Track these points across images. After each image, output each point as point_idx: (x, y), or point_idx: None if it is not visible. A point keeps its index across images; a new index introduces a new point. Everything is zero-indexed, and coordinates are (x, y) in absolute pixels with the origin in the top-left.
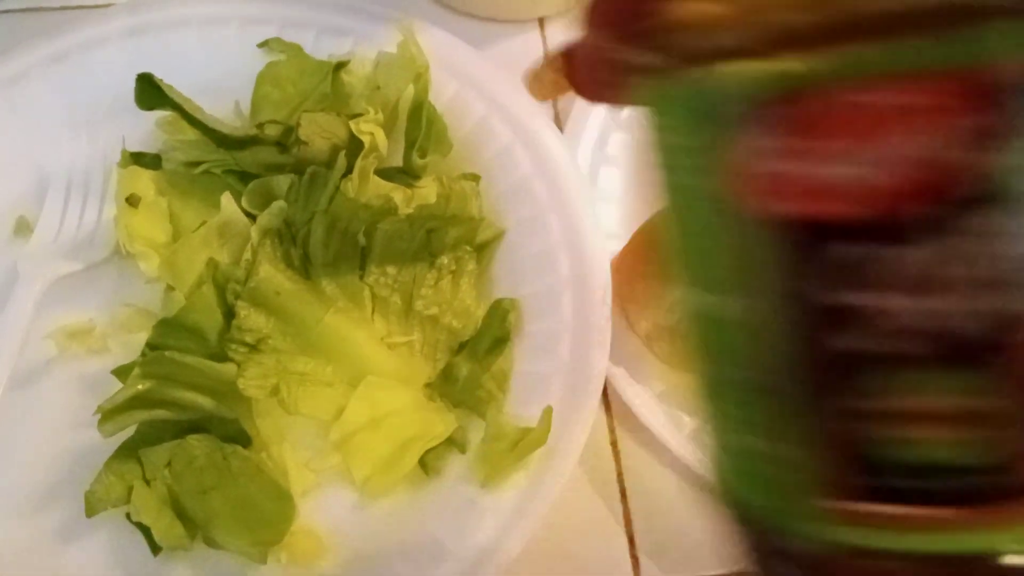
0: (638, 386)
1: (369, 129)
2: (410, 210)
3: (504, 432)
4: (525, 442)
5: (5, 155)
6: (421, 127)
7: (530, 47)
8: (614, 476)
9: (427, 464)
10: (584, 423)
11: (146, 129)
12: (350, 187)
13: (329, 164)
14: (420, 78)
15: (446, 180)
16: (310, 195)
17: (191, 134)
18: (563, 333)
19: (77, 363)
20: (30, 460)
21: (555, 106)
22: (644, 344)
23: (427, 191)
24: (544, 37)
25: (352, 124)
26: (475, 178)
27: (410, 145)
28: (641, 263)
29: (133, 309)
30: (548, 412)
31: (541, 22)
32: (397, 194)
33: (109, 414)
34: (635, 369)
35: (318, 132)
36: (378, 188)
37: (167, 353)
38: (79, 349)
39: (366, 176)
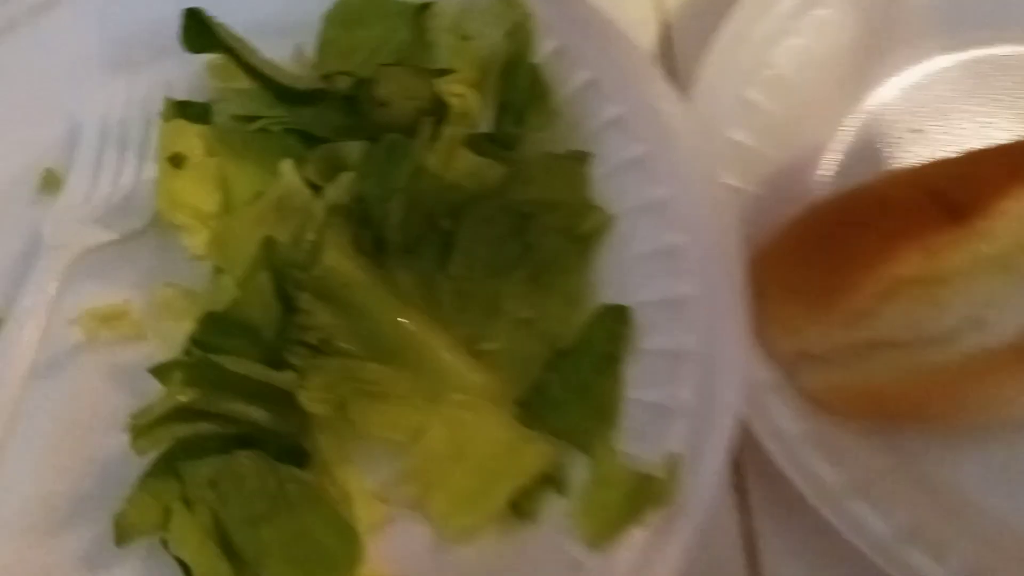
0: (776, 425)
1: (459, 90)
2: (506, 191)
3: (616, 477)
4: (644, 494)
5: (31, 95)
6: (519, 89)
7: None
8: (738, 536)
9: (519, 505)
10: (715, 473)
11: (192, 72)
12: (434, 160)
13: (410, 131)
14: (520, 29)
15: (549, 157)
16: (387, 167)
17: (245, 82)
18: (688, 354)
19: (108, 352)
20: (51, 468)
21: (675, 61)
22: (786, 373)
23: (524, 168)
24: None
25: (438, 83)
26: (584, 156)
27: (503, 110)
28: (792, 267)
29: (174, 290)
30: (676, 462)
31: None
32: (489, 171)
33: (144, 429)
34: (772, 404)
35: (399, 91)
36: (467, 162)
37: (215, 357)
38: (110, 335)
39: (453, 147)
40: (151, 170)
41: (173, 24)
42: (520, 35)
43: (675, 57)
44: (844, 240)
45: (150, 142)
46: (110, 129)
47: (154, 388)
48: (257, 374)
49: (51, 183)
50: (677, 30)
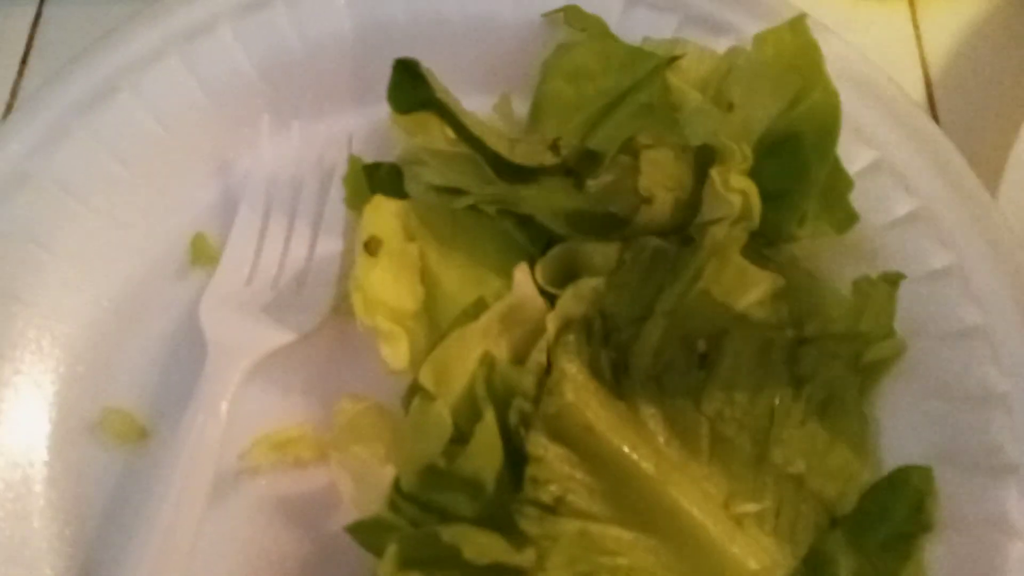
0: None
1: (740, 185)
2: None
3: None
4: None
5: (178, 142)
6: (803, 178)
7: (899, 30)
8: None
9: None
10: None
11: (374, 120)
12: (706, 272)
13: (676, 232)
14: (810, 98)
15: (864, 283)
16: (647, 281)
17: (442, 140)
18: (1014, 540)
19: (282, 478)
20: None
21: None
22: None
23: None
24: (915, 18)
25: (718, 176)
26: (897, 279)
27: (770, 199)
28: None
29: (361, 406)
30: None
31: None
32: (764, 284)
33: None
34: None
35: (662, 180)
36: (739, 274)
37: (445, 536)
38: (286, 461)
39: (729, 257)
40: (327, 245)
41: (357, 58)
42: (813, 105)
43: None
44: None
45: (328, 206)
46: (278, 187)
47: (335, 528)
48: (495, 555)
49: (202, 254)
50: (940, 87)
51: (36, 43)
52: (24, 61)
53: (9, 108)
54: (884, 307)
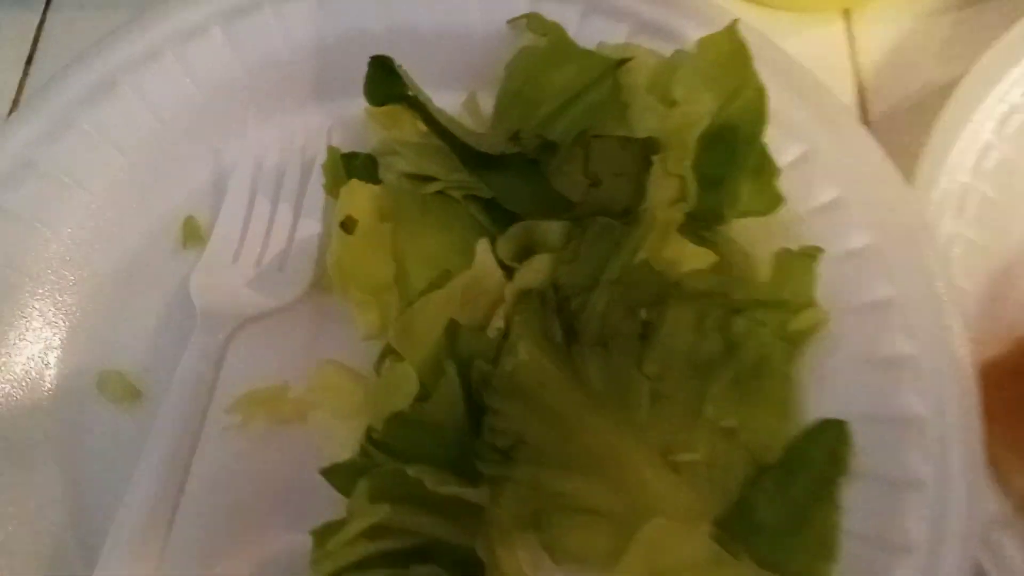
0: (1006, 568)
1: (679, 171)
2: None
3: None
4: None
5: (172, 133)
6: (735, 165)
7: (832, 40)
8: None
9: None
10: None
11: (351, 114)
12: (647, 247)
13: (622, 212)
14: (743, 96)
15: (785, 255)
16: (596, 255)
17: (414, 133)
18: (916, 483)
19: (264, 434)
20: (207, 559)
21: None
22: (1017, 508)
23: (734, 253)
24: (850, 31)
25: (659, 162)
26: (816, 252)
27: (708, 186)
28: None
29: (338, 369)
30: None
31: (846, 13)
32: (700, 259)
33: (328, 556)
34: (1002, 543)
35: (609, 167)
36: (678, 250)
37: (411, 472)
38: (267, 419)
39: (668, 233)
40: (306, 227)
41: (335, 58)
42: (746, 102)
43: (870, 123)
44: None
45: (308, 193)
46: (263, 174)
47: (313, 478)
48: (452, 490)
49: (193, 234)
50: (871, 91)
51: (40, 46)
52: (29, 62)
53: (15, 104)
54: (804, 277)
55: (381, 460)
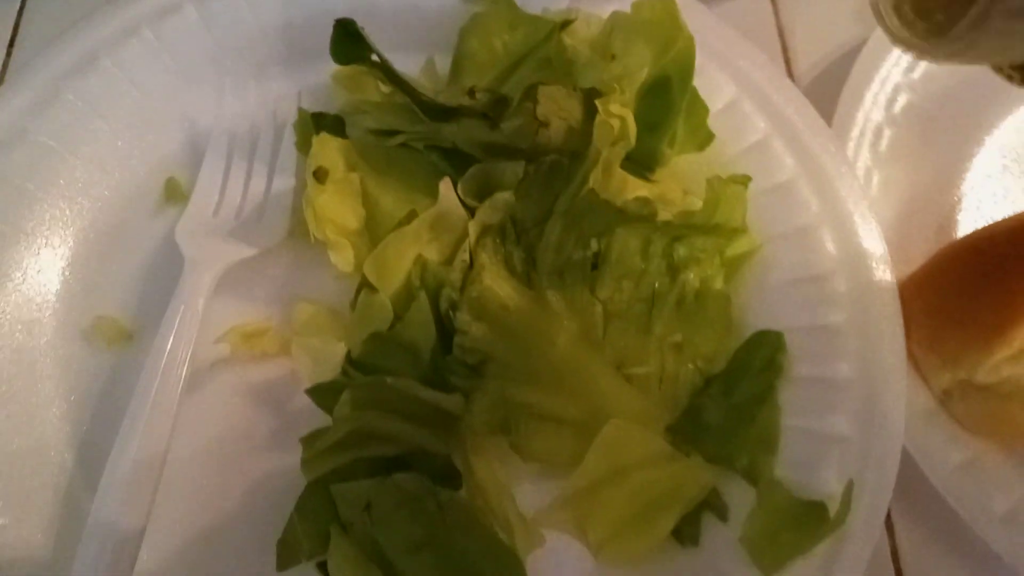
0: (932, 453)
1: (618, 112)
2: (668, 215)
3: (782, 504)
4: (813, 521)
5: (152, 101)
6: (671, 109)
7: (759, 9)
8: (887, 556)
9: (681, 531)
10: (883, 503)
11: (318, 81)
12: (593, 181)
13: (570, 152)
14: (674, 47)
15: (716, 182)
16: (547, 189)
17: (377, 95)
18: (844, 382)
19: (250, 368)
20: (200, 488)
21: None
22: (939, 402)
23: (673, 191)
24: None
25: (601, 105)
26: (745, 180)
27: (648, 129)
28: (952, 296)
29: (315, 307)
30: (849, 488)
31: None
32: (641, 192)
33: (316, 458)
34: (929, 432)
35: (556, 111)
36: (621, 184)
37: (389, 380)
38: (252, 353)
39: (611, 169)
40: (281, 182)
41: (302, 31)
42: (678, 54)
43: (795, 78)
44: (1017, 272)
45: (281, 151)
46: (238, 137)
47: (297, 406)
48: (428, 397)
49: (175, 193)
50: (793, 51)
51: (21, 31)
52: (11, 44)
53: None
54: (735, 202)
55: (361, 379)
